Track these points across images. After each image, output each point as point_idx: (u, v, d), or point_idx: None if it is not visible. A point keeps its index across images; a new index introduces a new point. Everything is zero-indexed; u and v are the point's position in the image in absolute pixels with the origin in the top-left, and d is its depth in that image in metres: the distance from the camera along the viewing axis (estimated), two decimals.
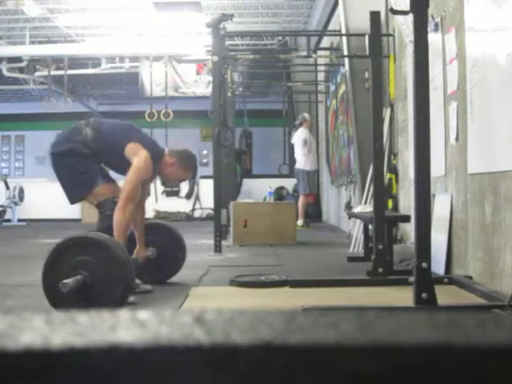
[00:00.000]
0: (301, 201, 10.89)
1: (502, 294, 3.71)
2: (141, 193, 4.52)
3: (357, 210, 6.83)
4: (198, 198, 15.34)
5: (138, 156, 4.24)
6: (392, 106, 7.09)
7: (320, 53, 10.81)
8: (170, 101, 13.72)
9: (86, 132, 4.33)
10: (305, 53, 8.55)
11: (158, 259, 4.68)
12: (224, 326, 0.39)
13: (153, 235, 4.81)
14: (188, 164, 4.59)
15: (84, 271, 3.54)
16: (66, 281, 3.43)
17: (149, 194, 4.87)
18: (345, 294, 4.25)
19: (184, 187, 15.35)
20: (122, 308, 3.42)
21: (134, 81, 14.36)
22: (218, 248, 6.95)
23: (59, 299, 3.50)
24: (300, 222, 10.61)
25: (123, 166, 4.26)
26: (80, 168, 4.30)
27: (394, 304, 3.77)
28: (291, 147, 16.41)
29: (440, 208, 5.11)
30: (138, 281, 4.20)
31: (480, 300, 3.84)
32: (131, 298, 3.89)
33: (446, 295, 3.76)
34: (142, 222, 4.66)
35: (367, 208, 6.26)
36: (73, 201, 4.47)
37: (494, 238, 4.03)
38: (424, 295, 3.34)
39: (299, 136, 10.99)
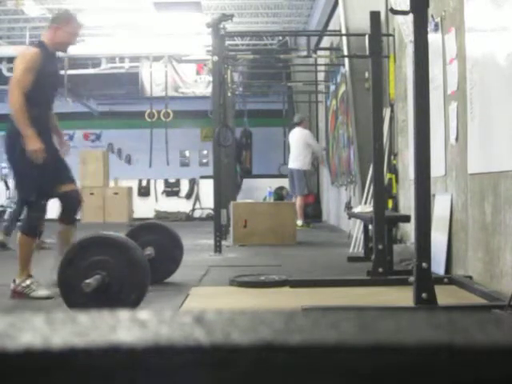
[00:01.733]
0: (298, 201, 10.83)
1: (502, 294, 3.71)
2: (48, 89, 4.56)
3: (357, 210, 6.83)
4: (197, 198, 15.34)
5: (17, 57, 4.51)
6: (392, 106, 7.09)
7: (320, 53, 10.81)
8: (170, 101, 13.73)
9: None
10: (305, 53, 8.56)
11: (155, 259, 4.69)
12: (224, 325, 0.39)
13: (149, 235, 4.82)
14: (65, 17, 4.68)
15: (102, 271, 3.53)
16: (88, 280, 3.42)
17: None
18: (345, 294, 4.25)
19: (184, 188, 15.36)
20: (137, 309, 3.43)
21: (134, 81, 14.36)
22: (217, 248, 6.95)
23: (76, 298, 3.48)
24: (300, 222, 10.60)
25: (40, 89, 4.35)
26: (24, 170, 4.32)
27: (394, 304, 3.77)
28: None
29: (440, 208, 5.11)
30: None
31: (480, 300, 3.84)
32: None
33: (445, 295, 3.76)
34: (53, 121, 4.68)
35: (367, 208, 6.26)
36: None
37: (494, 238, 4.03)
38: (424, 295, 3.34)
39: (300, 137, 10.94)
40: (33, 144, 4.19)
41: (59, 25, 4.56)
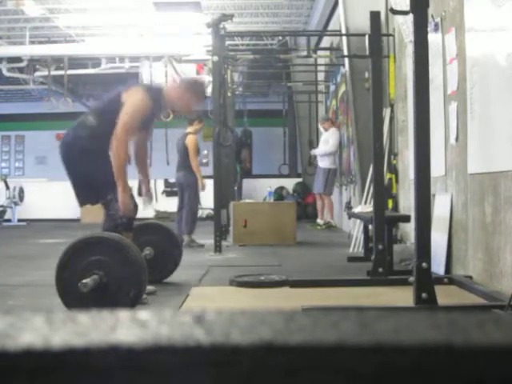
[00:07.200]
0: (320, 200, 10.66)
1: (502, 294, 3.71)
2: (143, 134, 4.50)
3: (357, 210, 6.82)
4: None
5: (131, 95, 4.21)
6: (392, 106, 7.09)
7: (320, 53, 10.81)
8: None
9: (89, 120, 4.29)
10: (305, 53, 8.56)
11: (154, 259, 4.69)
12: (224, 325, 0.39)
13: (148, 235, 4.82)
14: (194, 87, 4.50)
15: (99, 271, 3.53)
16: (85, 280, 3.42)
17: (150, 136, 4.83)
18: (345, 294, 4.25)
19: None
20: (135, 308, 3.42)
21: (133, 81, 14.35)
22: (218, 248, 6.95)
23: (73, 298, 3.48)
24: (320, 222, 10.64)
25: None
26: (95, 174, 4.25)
27: (394, 304, 3.77)
28: (291, 147, 16.46)
29: (440, 208, 5.11)
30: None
31: (480, 300, 3.84)
32: (143, 297, 3.89)
33: (445, 295, 3.76)
34: (145, 159, 4.78)
35: (367, 208, 6.26)
36: (82, 204, 4.48)
37: (494, 238, 4.03)
38: (424, 295, 3.34)
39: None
40: (125, 198, 4.13)
41: (186, 90, 4.39)
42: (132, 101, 4.16)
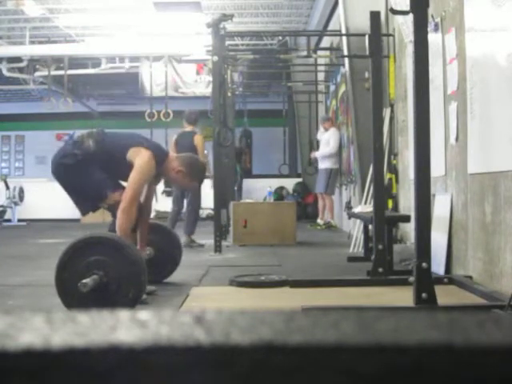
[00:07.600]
0: (322, 201, 10.58)
1: (502, 294, 3.71)
2: (146, 194, 4.51)
3: (357, 210, 6.82)
4: None
5: (139, 156, 4.23)
6: (392, 106, 7.09)
7: (320, 53, 10.81)
8: (170, 101, 13.71)
9: (89, 143, 4.31)
10: (305, 53, 8.56)
11: (154, 259, 4.69)
12: (224, 325, 0.39)
13: (148, 235, 4.83)
14: (196, 175, 4.60)
15: (99, 271, 3.53)
16: (85, 280, 3.42)
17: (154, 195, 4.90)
18: (345, 294, 4.25)
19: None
20: (135, 308, 3.43)
21: (134, 81, 14.36)
22: (218, 248, 6.95)
23: (73, 298, 3.49)
24: (320, 222, 10.61)
25: (127, 174, 4.25)
26: (87, 180, 4.27)
27: (394, 304, 3.77)
28: (291, 147, 16.46)
29: (440, 208, 5.11)
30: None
31: (480, 300, 3.84)
32: (143, 297, 3.90)
33: (445, 295, 3.76)
34: (146, 223, 4.66)
35: (367, 208, 6.26)
36: (84, 213, 4.51)
37: (494, 238, 4.03)
38: (424, 295, 3.34)
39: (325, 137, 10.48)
40: None
41: (187, 175, 4.49)
42: (139, 166, 4.20)
